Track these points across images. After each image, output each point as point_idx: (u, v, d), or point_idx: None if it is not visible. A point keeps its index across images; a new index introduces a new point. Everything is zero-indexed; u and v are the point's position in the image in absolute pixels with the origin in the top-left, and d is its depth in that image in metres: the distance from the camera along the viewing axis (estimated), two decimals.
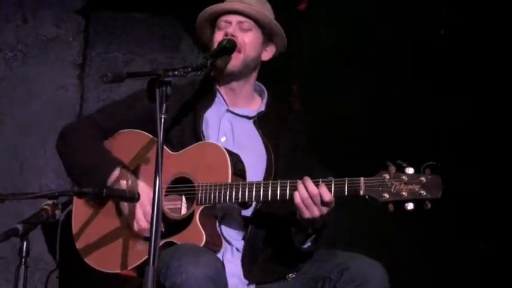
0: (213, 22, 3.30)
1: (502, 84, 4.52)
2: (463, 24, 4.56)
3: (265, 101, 3.37)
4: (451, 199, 2.89)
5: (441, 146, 4.47)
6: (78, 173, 3.21)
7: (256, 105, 3.37)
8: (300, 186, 2.95)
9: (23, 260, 2.59)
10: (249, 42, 3.24)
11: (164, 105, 2.74)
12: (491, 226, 4.48)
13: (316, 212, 2.94)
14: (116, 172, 3.12)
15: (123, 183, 3.10)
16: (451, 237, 4.55)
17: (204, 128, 3.23)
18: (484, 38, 4.51)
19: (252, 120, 3.32)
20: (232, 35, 3.21)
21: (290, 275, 3.14)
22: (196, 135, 3.20)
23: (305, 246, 3.10)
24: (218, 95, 3.32)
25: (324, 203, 2.93)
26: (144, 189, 3.04)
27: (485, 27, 4.50)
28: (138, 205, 3.05)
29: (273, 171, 3.20)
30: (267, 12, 3.31)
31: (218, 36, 3.23)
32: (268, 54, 3.34)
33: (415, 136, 4.52)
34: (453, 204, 3.97)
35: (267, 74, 3.43)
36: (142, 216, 3.05)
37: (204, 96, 3.30)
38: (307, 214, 2.95)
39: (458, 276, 4.56)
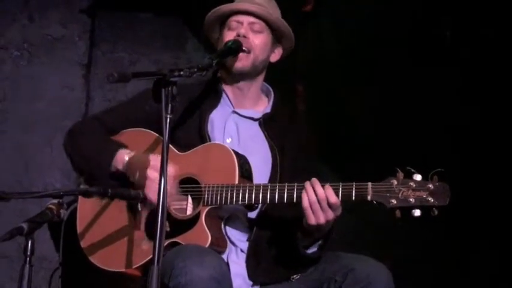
0: (222, 21, 3.30)
1: (509, 86, 4.52)
2: (469, 26, 4.56)
3: (271, 102, 3.36)
4: (457, 203, 2.89)
5: (448, 147, 4.47)
6: (84, 165, 3.20)
7: (263, 106, 3.36)
8: (309, 188, 2.94)
9: (28, 258, 2.60)
10: (259, 44, 3.24)
11: (170, 105, 2.74)
12: (495, 229, 4.48)
13: (322, 218, 2.93)
14: (121, 154, 3.11)
15: (132, 164, 3.09)
16: (456, 240, 4.55)
17: (209, 129, 3.22)
18: (489, 40, 4.50)
19: (257, 122, 3.32)
20: (244, 36, 3.21)
21: (294, 276, 3.13)
22: (202, 136, 3.20)
23: (310, 251, 3.10)
24: (224, 95, 3.31)
25: (330, 207, 2.93)
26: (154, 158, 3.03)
27: (490, 29, 4.50)
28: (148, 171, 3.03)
29: (278, 173, 3.20)
30: (275, 12, 3.31)
31: (229, 36, 3.22)
32: (276, 56, 3.34)
33: (421, 138, 4.51)
34: (457, 206, 3.97)
35: (272, 74, 3.43)
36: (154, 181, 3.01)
37: (210, 96, 3.30)
38: (313, 220, 2.94)
39: (461, 278, 4.55)
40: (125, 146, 3.16)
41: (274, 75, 3.44)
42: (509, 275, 4.47)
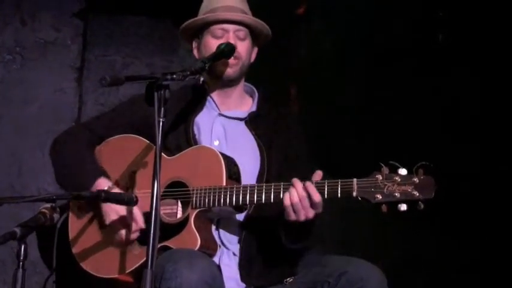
0: (200, 29, 3.31)
1: (500, 87, 4.53)
2: (461, 28, 4.57)
3: (256, 101, 3.37)
4: (449, 200, 2.89)
5: (435, 145, 4.48)
6: (63, 181, 3.23)
7: (247, 105, 3.37)
8: (292, 189, 2.95)
9: (21, 263, 2.59)
10: (245, 51, 3.26)
11: (162, 108, 2.75)
12: (489, 228, 4.49)
13: (302, 216, 2.94)
14: (100, 181, 3.12)
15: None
16: (450, 240, 4.55)
17: (195, 133, 3.23)
18: (482, 42, 4.52)
19: (243, 121, 3.33)
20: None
21: (287, 279, 3.14)
22: (188, 140, 3.21)
23: (294, 245, 3.10)
24: (209, 99, 3.32)
25: (312, 205, 2.93)
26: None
27: (483, 31, 4.51)
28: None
29: (266, 171, 3.20)
30: (249, 11, 3.32)
31: (216, 44, 3.23)
32: (254, 55, 3.37)
33: (410, 139, 4.52)
34: (451, 206, 3.98)
35: (265, 76, 3.44)
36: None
37: (195, 101, 3.31)
38: (293, 217, 2.95)
39: (456, 279, 4.56)
40: (105, 174, 3.16)
41: (267, 77, 3.44)
42: (503, 274, 4.48)
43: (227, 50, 3.19)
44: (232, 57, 3.21)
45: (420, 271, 4.62)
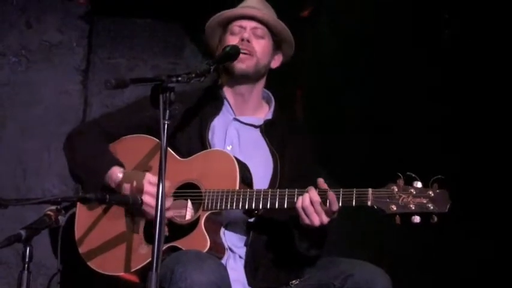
0: (223, 26, 3.31)
1: (507, 87, 4.52)
2: (467, 27, 4.56)
3: (272, 109, 3.37)
4: (453, 202, 2.90)
5: (447, 151, 4.47)
6: (78, 172, 3.22)
7: (264, 113, 3.37)
8: (305, 193, 2.96)
9: (26, 265, 2.59)
10: (261, 49, 3.26)
11: (168, 111, 2.74)
12: (494, 228, 4.48)
13: (316, 221, 2.95)
14: (114, 170, 3.12)
15: (119, 178, 3.10)
16: (455, 243, 4.55)
17: (210, 136, 3.23)
18: (487, 41, 4.51)
19: (258, 129, 3.32)
20: (248, 41, 3.22)
21: (293, 281, 3.14)
22: (203, 143, 3.21)
23: (308, 250, 3.10)
24: (225, 103, 3.32)
25: (329, 212, 2.93)
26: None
27: (489, 30, 4.50)
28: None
29: (278, 180, 3.21)
30: (272, 14, 3.32)
31: (231, 41, 3.24)
32: (276, 62, 3.36)
33: (421, 142, 4.52)
34: (456, 207, 3.97)
35: (271, 80, 3.43)
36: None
37: (211, 104, 3.31)
38: (307, 221, 2.96)
39: (461, 280, 4.55)
40: (119, 163, 3.16)
41: (273, 81, 3.44)
42: (507, 277, 4.48)
43: (232, 52, 3.19)
44: (244, 53, 3.20)
45: (426, 274, 4.62)
